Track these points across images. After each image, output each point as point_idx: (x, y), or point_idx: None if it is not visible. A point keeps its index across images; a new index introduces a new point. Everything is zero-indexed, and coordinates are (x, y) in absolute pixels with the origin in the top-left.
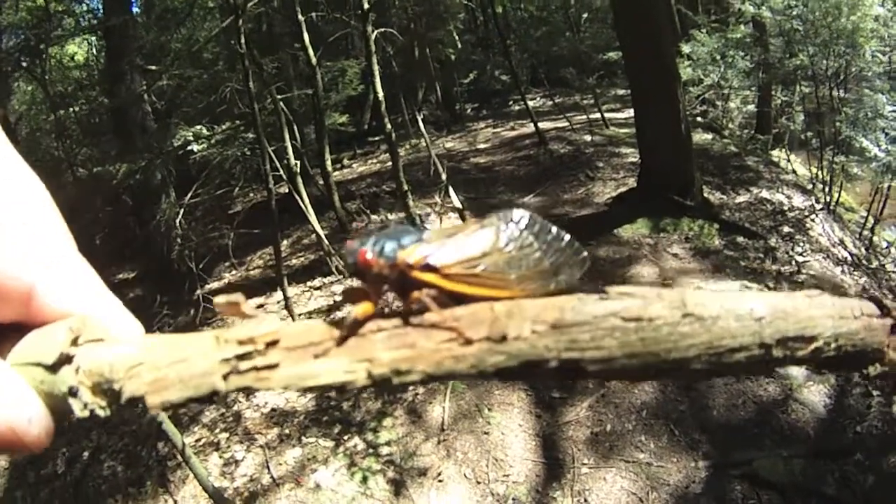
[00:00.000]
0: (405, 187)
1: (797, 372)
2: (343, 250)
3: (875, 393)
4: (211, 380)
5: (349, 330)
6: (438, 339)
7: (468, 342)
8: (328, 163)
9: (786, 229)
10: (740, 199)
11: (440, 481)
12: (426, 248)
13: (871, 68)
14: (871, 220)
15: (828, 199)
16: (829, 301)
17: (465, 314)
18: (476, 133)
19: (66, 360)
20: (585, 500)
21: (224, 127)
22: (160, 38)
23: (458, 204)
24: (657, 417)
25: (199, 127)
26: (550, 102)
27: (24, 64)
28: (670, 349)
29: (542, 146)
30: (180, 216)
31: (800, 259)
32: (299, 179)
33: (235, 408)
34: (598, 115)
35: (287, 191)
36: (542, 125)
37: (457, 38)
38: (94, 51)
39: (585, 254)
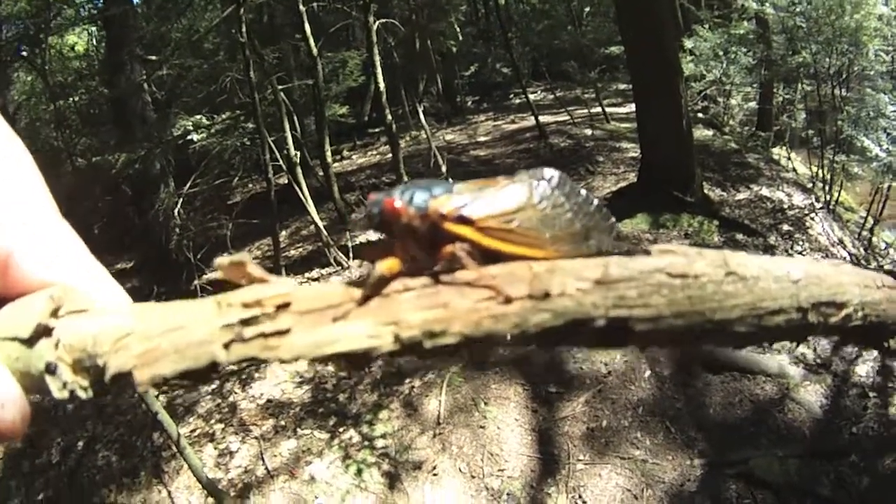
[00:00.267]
0: (405, 179)
1: (794, 371)
2: (366, 202)
3: (871, 394)
4: (210, 349)
5: (372, 289)
6: (475, 297)
7: (508, 300)
8: (328, 154)
9: (785, 227)
10: (740, 196)
11: (435, 475)
12: (460, 198)
13: (873, 67)
14: (870, 220)
15: (828, 198)
16: (853, 269)
17: (502, 272)
18: (476, 126)
19: (43, 332)
20: (580, 497)
21: (224, 117)
22: (160, 27)
23: None
24: (653, 414)
25: (198, 117)
26: (551, 96)
27: (24, 53)
28: (715, 308)
29: (543, 140)
30: (179, 206)
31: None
32: (299, 170)
33: (231, 398)
34: (599, 110)
35: (286, 181)
36: (542, 118)
37: (458, 30)
38: (94, 41)
39: (614, 220)
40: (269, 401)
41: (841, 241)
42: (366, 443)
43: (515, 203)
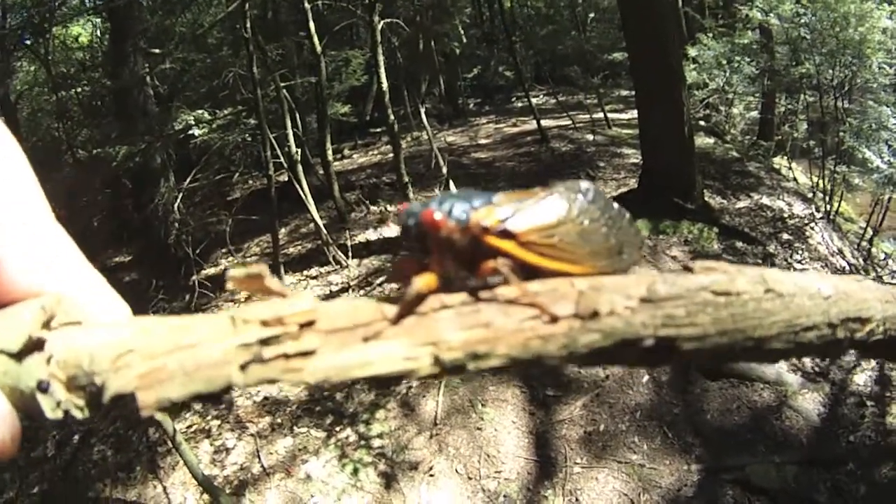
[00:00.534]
0: (405, 179)
1: (792, 379)
2: (399, 213)
3: (869, 403)
4: (225, 371)
5: (407, 307)
6: (519, 316)
7: (554, 319)
8: (329, 152)
9: (785, 236)
10: (741, 204)
11: (431, 476)
12: (501, 211)
13: (876, 80)
14: (870, 230)
15: (828, 208)
16: (875, 285)
17: (544, 290)
18: (478, 128)
19: (35, 346)
20: (577, 500)
21: (226, 112)
22: (165, 21)
23: None
24: (651, 419)
25: (200, 111)
26: (554, 100)
27: (28, 43)
28: (756, 326)
29: (544, 144)
30: (179, 201)
31: (798, 267)
32: (299, 168)
33: (227, 395)
34: (601, 115)
35: (287, 179)
36: (544, 123)
37: (462, 32)
38: (98, 32)
39: (644, 234)
40: (265, 398)
41: (840, 251)
42: (362, 442)
43: (556, 217)
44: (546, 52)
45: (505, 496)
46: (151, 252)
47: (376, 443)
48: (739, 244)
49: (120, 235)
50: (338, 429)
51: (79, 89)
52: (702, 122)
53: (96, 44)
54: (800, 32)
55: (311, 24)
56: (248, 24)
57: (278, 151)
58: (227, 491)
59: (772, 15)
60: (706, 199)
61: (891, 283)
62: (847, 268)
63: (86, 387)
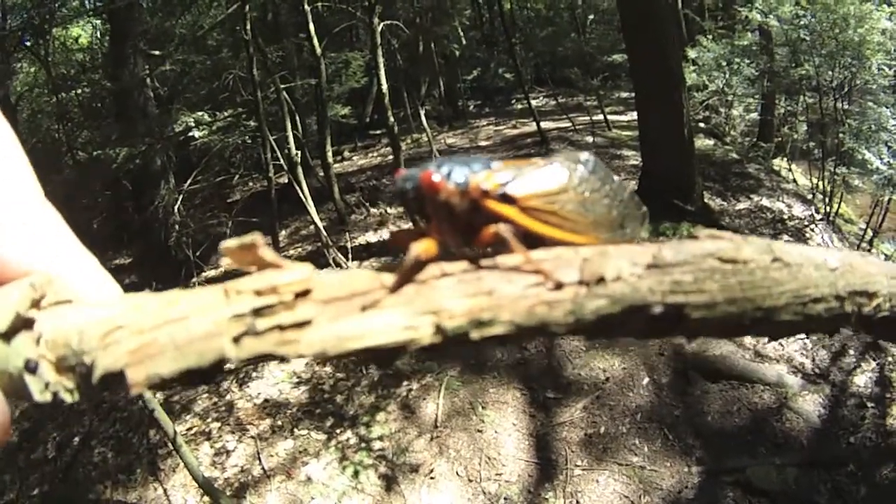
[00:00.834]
0: None
1: (792, 381)
2: (395, 180)
3: (869, 405)
4: (217, 343)
5: (406, 274)
6: (522, 283)
7: (559, 286)
8: (329, 154)
9: (785, 238)
10: (740, 205)
11: (432, 478)
12: (501, 175)
13: (876, 81)
14: (869, 232)
15: (828, 209)
16: (878, 261)
17: (548, 257)
18: (478, 130)
19: (23, 325)
20: (577, 502)
21: (226, 114)
22: (165, 22)
23: None
24: (651, 421)
25: (200, 113)
26: (553, 102)
27: (28, 44)
28: (765, 295)
29: (544, 145)
30: (179, 203)
31: None
32: (299, 170)
33: (228, 397)
34: (600, 117)
35: (287, 181)
36: (544, 125)
37: (462, 34)
38: (98, 34)
39: (645, 209)
40: (266, 400)
41: None
42: (363, 444)
43: (557, 184)
44: (546, 53)
45: (506, 498)
46: (151, 254)
47: (377, 445)
48: None
49: (120, 237)
50: (338, 431)
51: (79, 91)
52: (701, 124)
53: (96, 45)
54: (799, 34)
55: (311, 26)
56: (249, 26)
57: (278, 153)
58: (228, 493)
59: (771, 16)
60: (706, 200)
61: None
62: None
63: (75, 367)
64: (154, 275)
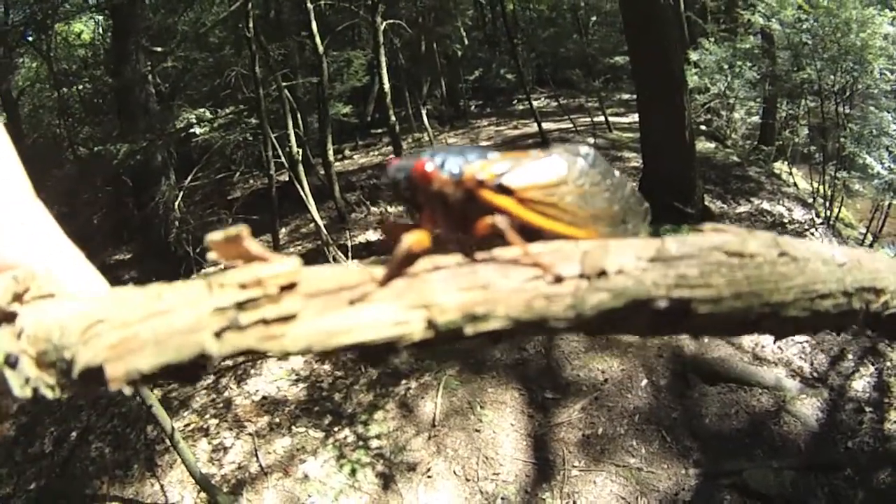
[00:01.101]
0: None
1: (791, 384)
2: (387, 169)
3: (867, 409)
4: (197, 338)
5: (397, 267)
6: (519, 277)
7: (559, 280)
8: (330, 152)
9: None
10: (741, 209)
11: (429, 477)
12: (497, 165)
13: (877, 86)
14: (870, 236)
15: (828, 213)
16: (885, 258)
17: (547, 251)
18: (479, 130)
19: (4, 319)
20: (574, 503)
21: (227, 111)
22: (167, 19)
23: None
24: (649, 423)
25: (202, 110)
26: (555, 103)
27: (30, 39)
28: (772, 290)
29: (545, 146)
30: (179, 199)
31: None
32: (300, 168)
33: (226, 394)
34: (602, 118)
35: (287, 179)
36: (545, 126)
37: (464, 34)
38: (101, 29)
39: (647, 205)
40: (264, 397)
41: None
42: (360, 443)
43: (556, 176)
44: (548, 54)
45: (503, 498)
46: (151, 250)
47: (374, 443)
48: None
49: (120, 233)
50: (336, 429)
51: (80, 86)
52: (703, 127)
53: (98, 41)
54: (801, 38)
55: (314, 25)
56: (251, 24)
57: (279, 151)
58: (225, 490)
59: (774, 20)
60: (706, 203)
61: None
62: None
63: (56, 363)
64: (154, 271)
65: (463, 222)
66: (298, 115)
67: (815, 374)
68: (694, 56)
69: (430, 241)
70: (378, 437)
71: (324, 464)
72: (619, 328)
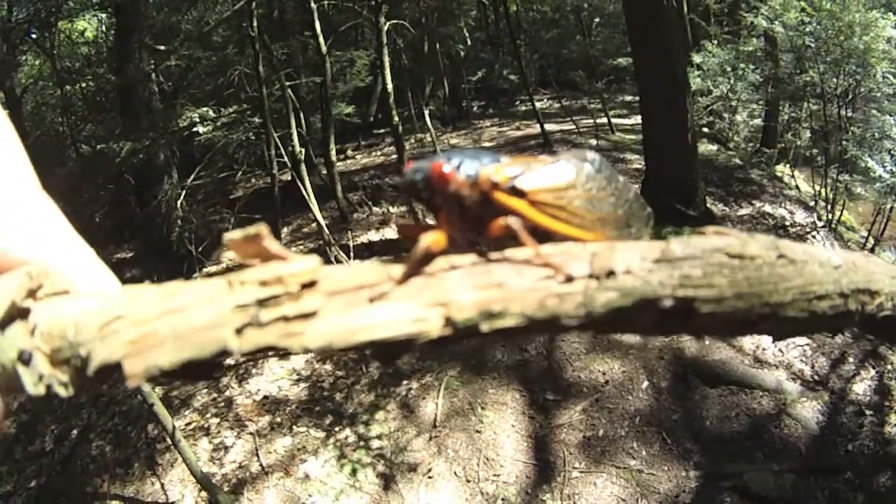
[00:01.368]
0: None
1: (791, 387)
2: (404, 172)
3: (868, 412)
4: (219, 334)
5: (415, 266)
6: (532, 276)
7: (569, 279)
8: (332, 152)
9: None
10: (743, 211)
11: (430, 478)
12: (511, 169)
13: (880, 89)
14: (871, 240)
15: (830, 216)
16: (880, 261)
17: (557, 252)
18: (482, 131)
19: (17, 315)
20: None
21: (230, 111)
22: (170, 17)
23: None
24: (650, 425)
25: (205, 109)
26: (558, 105)
27: (34, 37)
28: (772, 291)
29: (547, 147)
30: (182, 198)
31: None
32: (303, 167)
33: (227, 393)
34: (605, 120)
35: (290, 178)
36: (547, 127)
37: (467, 35)
38: (104, 28)
39: (650, 209)
40: (265, 397)
41: None
42: (361, 443)
43: (565, 180)
44: (551, 56)
45: (503, 499)
46: (153, 249)
47: (375, 444)
48: None
49: (122, 231)
50: (337, 429)
51: (83, 84)
52: (705, 129)
53: (102, 39)
54: (804, 41)
55: (317, 24)
56: (255, 23)
57: (282, 150)
58: (226, 489)
59: (777, 23)
60: (708, 205)
61: None
62: None
63: (70, 360)
64: (156, 269)
65: (478, 223)
66: (301, 115)
67: (815, 377)
68: (697, 58)
69: (446, 242)
70: (379, 437)
71: (325, 464)
72: (626, 326)
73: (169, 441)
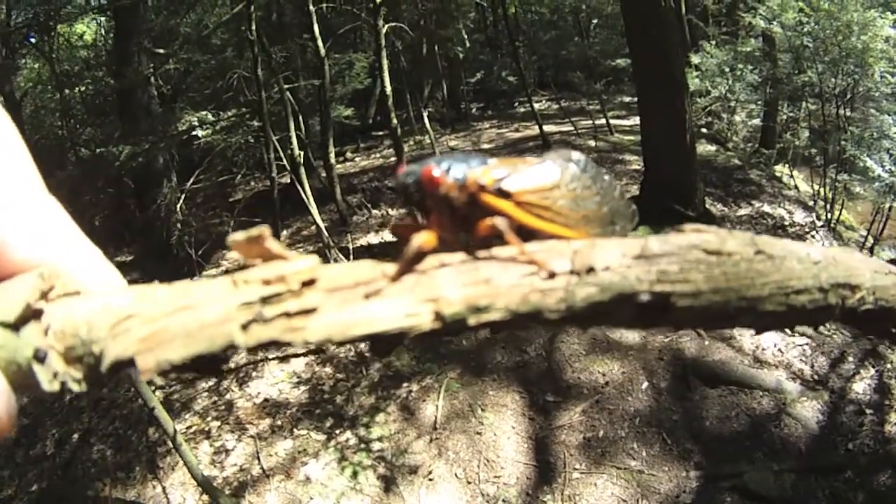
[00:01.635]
0: None
1: (791, 387)
2: (397, 175)
3: (868, 411)
4: (226, 329)
5: (407, 264)
6: (517, 273)
7: (552, 275)
8: (331, 155)
9: None
10: (742, 211)
11: (431, 480)
12: (498, 171)
13: (878, 89)
14: (870, 239)
15: (829, 216)
16: (862, 256)
17: (541, 249)
18: (480, 133)
19: (32, 316)
20: None
21: (230, 114)
22: (169, 21)
23: None
24: (650, 425)
25: (204, 112)
26: (556, 106)
27: (33, 40)
28: (748, 286)
29: (546, 149)
30: (181, 201)
31: None
32: (302, 170)
33: (227, 396)
34: (603, 121)
35: (289, 181)
36: (546, 128)
37: (466, 36)
38: (103, 31)
39: (635, 207)
40: (266, 400)
41: None
42: (362, 445)
43: (550, 181)
44: (549, 57)
45: (504, 501)
46: (153, 252)
47: (376, 446)
48: None
49: (122, 235)
50: (338, 431)
51: (83, 88)
52: (704, 130)
53: (101, 43)
54: (803, 41)
55: (316, 27)
56: (253, 26)
57: (281, 153)
58: (227, 492)
59: (775, 23)
60: (707, 206)
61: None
62: None
63: (83, 357)
64: (156, 273)
65: (466, 223)
66: (300, 118)
67: (815, 377)
68: (695, 59)
69: (436, 241)
70: (379, 439)
71: (325, 466)
72: (606, 320)
73: (170, 444)
